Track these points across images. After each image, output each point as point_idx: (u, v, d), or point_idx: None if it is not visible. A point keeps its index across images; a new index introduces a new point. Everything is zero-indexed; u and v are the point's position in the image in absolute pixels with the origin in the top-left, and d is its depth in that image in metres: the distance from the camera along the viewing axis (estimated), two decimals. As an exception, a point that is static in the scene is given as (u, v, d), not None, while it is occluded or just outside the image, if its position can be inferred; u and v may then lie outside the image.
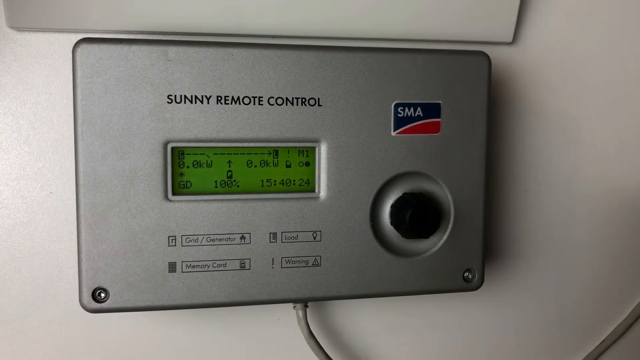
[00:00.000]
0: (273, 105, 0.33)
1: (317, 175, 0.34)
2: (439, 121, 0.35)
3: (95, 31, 0.35)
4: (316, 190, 0.34)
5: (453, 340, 0.44)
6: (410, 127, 0.35)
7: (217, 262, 0.33)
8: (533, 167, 0.43)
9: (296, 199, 0.34)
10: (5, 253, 0.37)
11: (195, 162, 0.33)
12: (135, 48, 0.31)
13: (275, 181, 0.34)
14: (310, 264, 0.34)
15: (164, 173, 0.32)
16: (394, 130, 0.35)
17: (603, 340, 0.46)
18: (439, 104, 0.35)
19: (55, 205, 0.37)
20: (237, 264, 0.33)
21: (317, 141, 0.34)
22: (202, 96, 0.32)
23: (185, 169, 0.33)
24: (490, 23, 0.39)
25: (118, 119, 0.31)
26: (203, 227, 0.33)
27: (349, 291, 0.35)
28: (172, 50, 0.31)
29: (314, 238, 0.34)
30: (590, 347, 0.47)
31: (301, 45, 0.33)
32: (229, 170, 0.34)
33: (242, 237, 0.33)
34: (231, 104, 0.32)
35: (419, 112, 0.35)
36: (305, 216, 0.34)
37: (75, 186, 0.32)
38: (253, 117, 0.33)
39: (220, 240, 0.33)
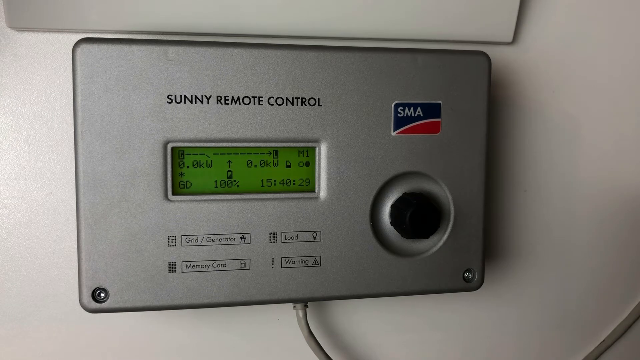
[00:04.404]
0: (273, 105, 0.33)
1: (317, 175, 0.34)
2: (439, 121, 0.35)
3: (95, 31, 0.35)
4: (316, 190, 0.34)
5: (453, 340, 0.44)
6: (410, 127, 0.35)
7: (217, 262, 0.33)
8: (533, 167, 0.43)
9: (296, 199, 0.34)
10: (5, 253, 0.37)
11: (195, 162, 0.33)
12: (135, 48, 0.31)
13: (275, 181, 0.34)
14: (310, 264, 0.34)
15: (164, 173, 0.32)
16: (394, 130, 0.35)
17: (603, 340, 0.46)
18: (439, 104, 0.35)
19: (55, 205, 0.37)
20: (237, 264, 0.33)
21: (317, 141, 0.34)
22: (202, 96, 0.32)
23: (185, 169, 0.33)
24: (490, 23, 0.39)
25: (118, 119, 0.31)
26: (203, 227, 0.33)
27: (349, 291, 0.35)
28: (172, 50, 0.31)
29: (314, 238, 0.34)
30: (590, 347, 0.47)
31: (301, 45, 0.33)
32: (229, 170, 0.34)
33: (242, 237, 0.33)
34: (231, 104, 0.32)
35: (419, 112, 0.35)
36: (305, 216, 0.34)
37: (75, 186, 0.32)
38: (253, 117, 0.33)
39: (220, 240, 0.33)
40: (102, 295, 0.32)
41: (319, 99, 0.33)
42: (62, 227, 0.37)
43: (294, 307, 0.37)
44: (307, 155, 0.34)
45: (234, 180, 0.34)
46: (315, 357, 0.39)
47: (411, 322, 0.43)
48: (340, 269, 0.35)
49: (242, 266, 0.33)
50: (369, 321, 0.42)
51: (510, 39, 0.40)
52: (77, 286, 0.33)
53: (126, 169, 0.32)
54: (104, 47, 0.31)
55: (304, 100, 0.33)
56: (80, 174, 0.31)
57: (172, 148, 0.32)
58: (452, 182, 0.36)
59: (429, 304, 0.43)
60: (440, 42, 0.40)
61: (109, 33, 0.35)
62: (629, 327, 0.46)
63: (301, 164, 0.34)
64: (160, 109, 0.32)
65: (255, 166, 0.34)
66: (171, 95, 0.32)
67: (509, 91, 0.42)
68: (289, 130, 0.33)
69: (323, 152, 0.34)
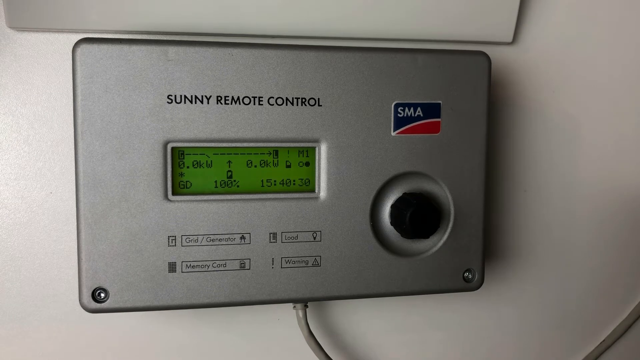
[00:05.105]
0: (273, 105, 0.33)
1: (317, 175, 0.34)
2: (439, 121, 0.35)
3: (95, 31, 0.35)
4: (316, 190, 0.34)
5: (453, 340, 0.44)
6: (410, 127, 0.35)
7: (217, 262, 0.33)
8: (533, 167, 0.43)
9: (296, 199, 0.34)
10: (5, 253, 0.37)
11: (195, 162, 0.33)
12: (135, 48, 0.31)
13: (275, 181, 0.34)
14: (310, 264, 0.34)
15: (164, 173, 0.32)
16: (394, 130, 0.35)
17: (603, 340, 0.46)
18: (439, 104, 0.35)
19: (55, 205, 0.37)
20: (237, 264, 0.33)
21: (317, 141, 0.34)
22: (202, 96, 0.32)
23: (185, 169, 0.33)
24: (490, 23, 0.39)
25: (118, 119, 0.31)
26: (203, 227, 0.33)
27: (349, 291, 0.35)
28: (172, 50, 0.31)
29: (314, 238, 0.34)
30: (590, 347, 0.47)
31: (301, 45, 0.33)
32: (229, 170, 0.34)
33: (242, 237, 0.33)
34: (231, 104, 0.32)
35: (419, 112, 0.35)
36: (305, 216, 0.34)
37: (75, 186, 0.32)
38: (253, 117, 0.33)
39: (220, 240, 0.33)
40: (102, 295, 0.32)
41: (319, 99, 0.33)
42: (62, 227, 0.37)
43: (294, 307, 0.37)
44: (307, 155, 0.34)
45: (234, 180, 0.34)
46: (315, 357, 0.39)
47: (411, 322, 0.43)
48: (340, 269, 0.35)
49: (242, 266, 0.33)
50: (369, 321, 0.42)
51: (510, 39, 0.40)
52: (77, 286, 0.33)
53: (126, 169, 0.32)
54: (104, 47, 0.31)
55: (304, 100, 0.33)
56: (80, 174, 0.31)
57: (172, 148, 0.32)
58: (452, 182, 0.36)
59: (429, 304, 0.43)
60: (440, 42, 0.40)
61: (109, 33, 0.35)
62: (629, 327, 0.46)
63: (301, 164, 0.34)
64: (160, 109, 0.32)
65: (255, 166, 0.34)
66: (171, 95, 0.32)
67: (509, 91, 0.42)
68: (289, 130, 0.33)
69: (323, 152, 0.34)
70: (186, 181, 0.33)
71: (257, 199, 0.33)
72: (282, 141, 0.33)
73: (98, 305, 0.32)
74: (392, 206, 0.35)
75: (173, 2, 0.35)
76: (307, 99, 0.33)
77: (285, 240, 0.34)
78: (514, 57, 0.42)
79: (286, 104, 0.33)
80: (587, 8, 0.42)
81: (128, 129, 0.31)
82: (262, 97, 0.33)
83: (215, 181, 0.33)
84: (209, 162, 0.33)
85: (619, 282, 0.46)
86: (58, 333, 0.38)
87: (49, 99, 0.36)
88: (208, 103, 0.32)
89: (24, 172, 0.36)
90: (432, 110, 0.35)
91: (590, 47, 0.43)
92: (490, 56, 0.35)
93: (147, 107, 0.31)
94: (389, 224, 0.35)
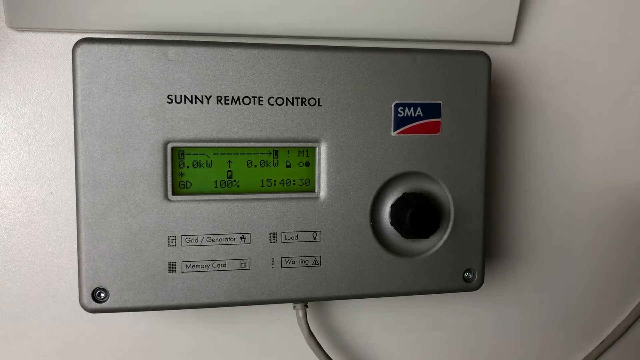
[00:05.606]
0: (273, 105, 0.33)
1: (317, 175, 0.34)
2: (439, 121, 0.35)
3: (95, 31, 0.35)
4: (316, 190, 0.34)
5: (453, 340, 0.44)
6: (410, 127, 0.35)
7: (217, 262, 0.33)
8: (533, 167, 0.43)
9: (296, 199, 0.34)
10: (5, 253, 0.37)
11: (195, 162, 0.33)
12: (135, 48, 0.31)
13: (275, 181, 0.34)
14: (310, 264, 0.34)
15: (164, 173, 0.32)
16: (394, 130, 0.35)
17: (603, 340, 0.46)
18: (439, 104, 0.35)
19: (55, 205, 0.37)
20: (237, 264, 0.33)
21: (317, 141, 0.34)
22: (202, 96, 0.32)
23: (185, 169, 0.33)
24: (490, 23, 0.39)
25: (118, 119, 0.31)
26: (203, 227, 0.33)
27: (349, 291, 0.35)
28: (172, 50, 0.31)
29: (314, 238, 0.34)
30: (590, 347, 0.47)
31: (301, 45, 0.33)
32: (229, 170, 0.34)
33: (242, 237, 0.33)
34: (231, 104, 0.32)
35: (419, 112, 0.35)
36: (305, 216, 0.34)
37: (75, 186, 0.32)
38: (253, 117, 0.33)
39: (220, 240, 0.33)
40: (102, 295, 0.32)
41: (319, 99, 0.33)
42: (62, 227, 0.37)
43: (294, 307, 0.37)
44: (307, 155, 0.34)
45: (234, 180, 0.34)
46: (315, 357, 0.39)
47: (411, 322, 0.43)
48: (340, 269, 0.35)
49: (242, 266, 0.33)
50: (369, 321, 0.42)
51: (510, 39, 0.40)
52: (77, 286, 0.33)
53: (126, 169, 0.32)
54: (104, 47, 0.31)
55: (304, 100, 0.33)
56: (80, 174, 0.31)
57: (172, 148, 0.32)
58: (452, 182, 0.36)
59: (429, 304, 0.43)
60: (440, 42, 0.40)
61: (109, 33, 0.35)
62: (629, 327, 0.46)
63: (301, 164, 0.34)
64: (161, 109, 0.32)
65: (255, 166, 0.34)
66: (171, 95, 0.32)
67: (509, 91, 0.42)
68: (289, 130, 0.33)
69: (323, 152, 0.34)
70: (186, 181, 0.33)
71: (257, 199, 0.33)
72: (282, 141, 0.33)
73: (98, 305, 0.32)
74: (392, 206, 0.35)
75: (173, 2, 0.35)
76: (307, 99, 0.33)
77: (285, 240, 0.34)
78: (514, 57, 0.42)
79: (286, 104, 0.33)
80: (587, 8, 0.42)
81: (128, 129, 0.31)
82: (262, 97, 0.33)
83: (215, 181, 0.33)
84: (209, 162, 0.33)
85: (619, 282, 0.46)
86: (58, 333, 0.38)
87: (49, 99, 0.36)
88: (208, 103, 0.32)
89: (24, 172, 0.36)
90: (432, 110, 0.35)
91: (590, 47, 0.43)
92: (490, 56, 0.35)
93: (147, 107, 0.31)
94: (389, 224, 0.35)
